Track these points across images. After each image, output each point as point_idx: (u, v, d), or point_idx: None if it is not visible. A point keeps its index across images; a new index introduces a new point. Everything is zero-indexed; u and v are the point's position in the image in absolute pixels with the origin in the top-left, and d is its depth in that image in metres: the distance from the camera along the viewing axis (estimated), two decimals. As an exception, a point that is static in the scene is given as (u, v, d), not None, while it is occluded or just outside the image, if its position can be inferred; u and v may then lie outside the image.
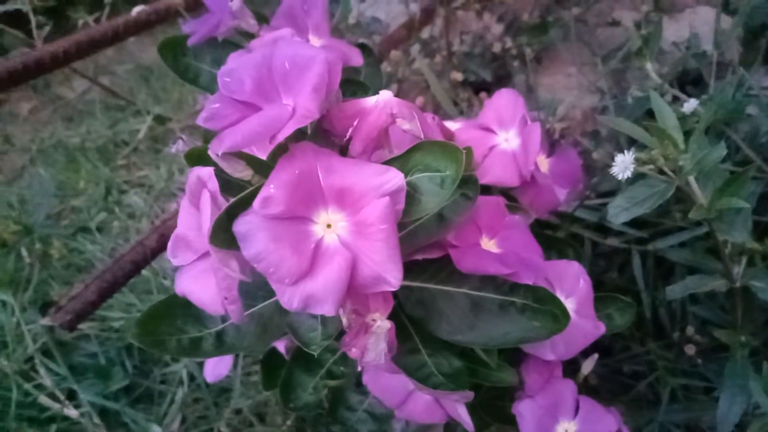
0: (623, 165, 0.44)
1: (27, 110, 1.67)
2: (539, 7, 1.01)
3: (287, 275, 0.31)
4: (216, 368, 0.56)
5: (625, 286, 0.74)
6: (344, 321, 0.35)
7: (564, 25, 0.93)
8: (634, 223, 0.73)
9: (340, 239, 0.33)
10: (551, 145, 0.78)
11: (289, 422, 0.82)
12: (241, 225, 0.31)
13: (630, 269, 0.73)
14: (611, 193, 0.77)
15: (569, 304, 0.46)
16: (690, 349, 0.68)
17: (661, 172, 0.45)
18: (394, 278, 0.32)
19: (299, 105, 0.32)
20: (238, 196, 0.32)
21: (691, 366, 0.67)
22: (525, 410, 0.45)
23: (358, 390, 0.54)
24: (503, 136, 0.51)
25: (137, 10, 0.84)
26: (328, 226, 0.33)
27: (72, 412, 0.84)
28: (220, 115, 0.33)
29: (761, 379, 0.50)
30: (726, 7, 0.92)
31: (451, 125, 0.53)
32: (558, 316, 0.41)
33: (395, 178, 0.32)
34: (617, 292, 0.75)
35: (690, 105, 0.65)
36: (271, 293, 0.39)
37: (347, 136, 0.35)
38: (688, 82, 0.88)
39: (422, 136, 0.36)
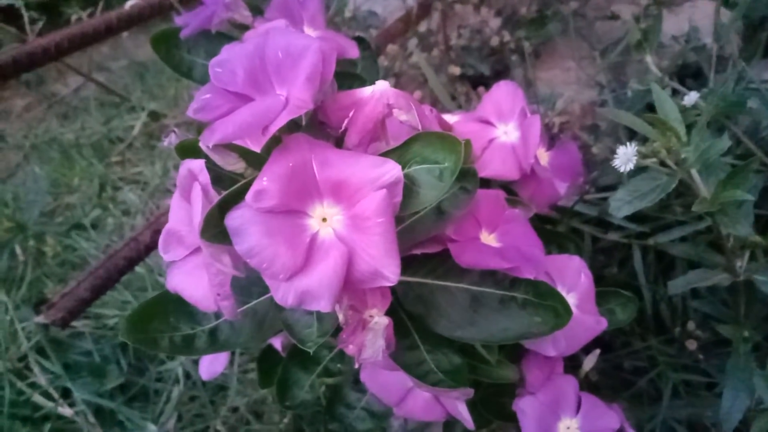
0: (625, 157, 0.43)
1: (21, 107, 1.66)
2: (537, 0, 1.00)
3: (281, 271, 0.30)
4: (211, 366, 0.55)
5: (625, 281, 0.73)
6: (341, 317, 0.34)
7: (562, 18, 0.92)
8: (635, 217, 0.72)
9: (336, 233, 0.32)
10: (550, 139, 0.77)
11: (286, 420, 0.81)
12: (234, 219, 0.30)
13: (630, 264, 0.73)
14: (611, 188, 0.76)
15: (570, 299, 0.46)
16: (691, 345, 0.67)
17: (663, 164, 0.44)
18: (391, 273, 0.32)
19: (292, 95, 0.31)
20: (230, 189, 0.31)
21: (693, 361, 0.66)
22: (526, 407, 0.45)
23: (356, 387, 0.53)
24: (502, 128, 0.50)
25: (130, 3, 0.82)
26: (324, 220, 0.32)
27: (66, 411, 0.83)
28: (211, 106, 0.32)
29: (765, 374, 0.49)
30: (725, 1, 0.91)
31: (450, 118, 0.52)
32: (560, 311, 0.40)
33: (392, 170, 0.31)
34: (618, 287, 0.74)
35: (691, 98, 0.65)
36: (266, 289, 0.38)
37: (343, 128, 0.34)
38: (688, 75, 0.87)
39: (420, 127, 0.35)
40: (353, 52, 0.55)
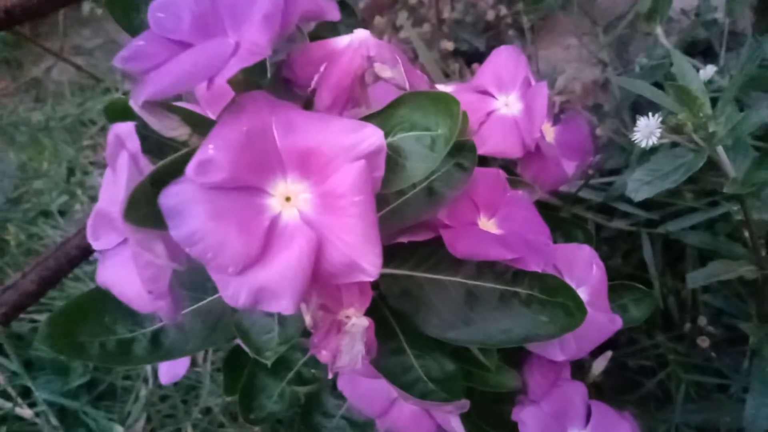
0: (647, 130, 0.37)
1: (-5, 90, 1.58)
2: (536, -27, 0.94)
3: (231, 262, 0.24)
4: (172, 368, 0.48)
5: (631, 273, 0.68)
6: (307, 320, 0.27)
7: (563, -9, 0.86)
8: (642, 203, 0.66)
9: (302, 216, 0.25)
10: (554, 115, 0.71)
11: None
12: (170, 197, 0.24)
13: (636, 255, 0.67)
14: (616, 171, 0.71)
15: (581, 295, 0.39)
16: (703, 342, 0.61)
17: (690, 138, 0.39)
18: (371, 265, 0.25)
19: (245, 39, 0.24)
20: (166, 159, 0.24)
21: (705, 360, 0.61)
22: (528, 418, 0.39)
23: (335, 393, 0.47)
24: (503, 100, 0.44)
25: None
26: (287, 199, 0.26)
27: (25, 412, 0.77)
28: (145, 53, 0.25)
29: (795, 379, 0.43)
30: (737, -27, 0.85)
31: (443, 89, 0.46)
32: (571, 310, 0.34)
33: (372, 136, 0.25)
34: (623, 280, 0.68)
35: (707, 72, 0.59)
36: (225, 284, 0.32)
37: (312, 86, 0.28)
38: (698, 52, 0.81)
39: (407, 86, 0.29)
40: (333, 13, 0.49)
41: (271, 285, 0.24)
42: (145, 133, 0.27)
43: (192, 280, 0.33)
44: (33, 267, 0.51)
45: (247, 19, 0.25)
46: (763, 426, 0.45)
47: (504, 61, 0.45)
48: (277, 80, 0.29)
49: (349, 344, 0.31)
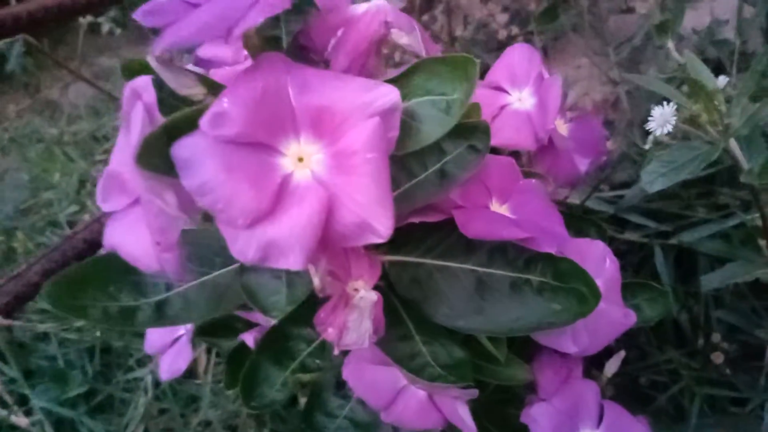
0: (662, 119, 0.37)
1: (14, 111, 1.60)
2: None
3: (241, 214, 0.23)
4: (173, 364, 0.47)
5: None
6: (316, 281, 0.27)
7: (575, 12, 0.87)
8: (654, 216, 0.66)
9: (315, 176, 0.25)
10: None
11: (264, 435, 0.73)
12: (183, 148, 0.23)
13: (648, 267, 0.66)
14: (627, 185, 0.70)
15: (594, 288, 0.39)
16: (717, 358, 0.60)
17: (705, 130, 0.38)
18: (382, 226, 0.25)
19: (265, -10, 0.24)
20: (180, 112, 0.24)
21: (720, 376, 0.59)
22: (539, 416, 0.37)
23: (339, 393, 0.46)
24: (516, 95, 0.44)
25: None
26: (300, 159, 0.25)
27: (21, 420, 0.75)
28: (165, 9, 0.26)
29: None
30: (748, -5, 0.86)
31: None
32: (585, 295, 0.33)
33: (389, 94, 0.25)
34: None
35: (720, 82, 0.59)
36: (232, 260, 0.31)
37: (329, 50, 0.28)
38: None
39: (423, 53, 0.29)
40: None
41: (281, 240, 0.24)
42: (160, 95, 0.27)
43: (202, 255, 0.32)
44: (39, 259, 0.50)
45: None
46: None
47: (518, 58, 0.45)
48: (294, 48, 0.29)
49: (356, 320, 0.30)
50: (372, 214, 0.25)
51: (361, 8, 0.29)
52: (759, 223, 0.45)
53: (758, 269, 0.44)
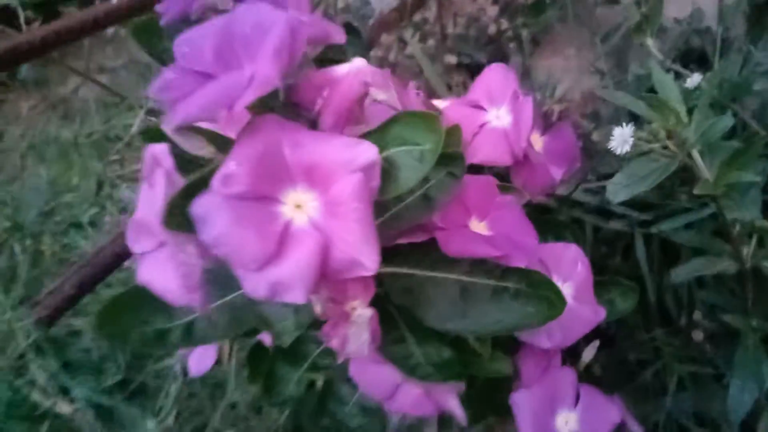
0: (621, 138, 0.41)
1: (26, 109, 1.66)
2: (537, -14, 0.98)
3: (251, 260, 0.29)
4: (200, 361, 0.53)
5: (629, 271, 0.71)
6: (317, 309, 0.32)
7: (561, 5, 0.90)
8: (638, 205, 0.70)
9: (311, 220, 0.30)
10: (547, 125, 0.75)
11: (285, 415, 0.79)
12: (199, 206, 0.28)
13: (634, 254, 0.70)
14: (612, 176, 0.74)
15: (566, 290, 0.44)
16: (698, 335, 0.65)
17: (664, 147, 0.42)
18: (370, 261, 0.30)
19: (258, 72, 0.29)
20: (195, 175, 0.29)
21: (700, 353, 0.64)
22: (521, 401, 0.43)
23: (349, 382, 0.51)
24: (494, 113, 0.48)
25: (118, -3, 0.81)
26: (298, 206, 0.30)
27: (65, 408, 0.82)
28: (175, 85, 0.30)
29: (774, 366, 0.47)
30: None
31: (440, 103, 0.51)
32: (553, 301, 0.38)
33: (367, 151, 0.30)
34: (621, 277, 0.72)
35: (693, 80, 0.62)
36: (246, 282, 0.37)
37: (317, 109, 0.33)
38: (692, 60, 0.84)
39: (399, 107, 0.33)
40: (339, 36, 0.53)
41: (285, 279, 0.29)
42: (176, 152, 0.32)
43: (219, 279, 0.37)
44: (72, 273, 0.56)
45: (260, 53, 0.30)
46: (745, 409, 0.48)
47: (495, 77, 0.49)
48: (288, 103, 0.34)
49: (356, 333, 0.35)
50: (360, 252, 0.30)
51: (342, 69, 0.33)
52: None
53: (722, 262, 0.48)
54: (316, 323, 0.36)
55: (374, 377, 0.43)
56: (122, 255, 0.60)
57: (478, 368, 0.43)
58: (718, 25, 0.81)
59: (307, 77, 0.33)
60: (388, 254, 0.42)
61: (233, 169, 0.29)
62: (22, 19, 1.41)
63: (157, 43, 0.61)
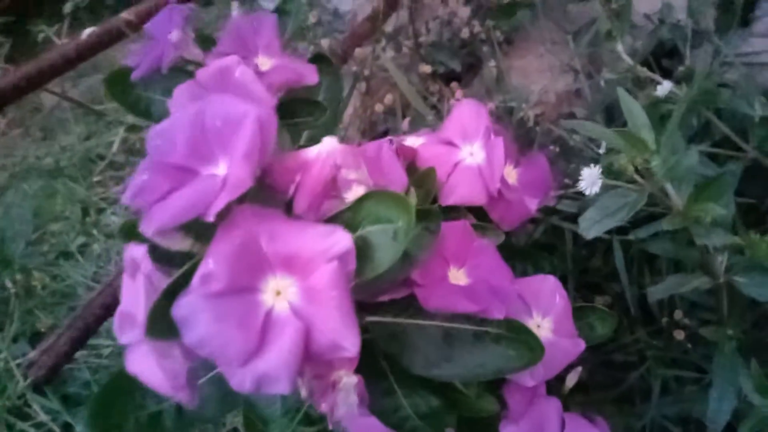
0: (591, 179, 0.42)
1: (0, 132, 1.64)
2: (506, -16, 0.97)
3: (235, 357, 0.29)
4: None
5: (609, 274, 0.73)
6: (303, 393, 0.33)
7: (532, 4, 0.90)
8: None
9: (291, 306, 0.31)
10: (527, 135, 0.75)
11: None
12: (181, 308, 0.29)
13: (614, 257, 0.72)
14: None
15: (546, 324, 0.45)
16: (679, 335, 0.66)
17: (632, 182, 0.43)
18: (350, 344, 0.31)
19: (230, 174, 0.30)
20: (174, 277, 0.30)
21: (682, 352, 0.66)
22: (510, 437, 0.44)
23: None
24: (467, 149, 0.49)
25: (87, 32, 0.80)
26: (278, 293, 0.31)
27: (70, 448, 0.84)
28: (148, 188, 0.31)
29: (751, 376, 0.49)
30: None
31: (414, 141, 0.51)
32: (532, 345, 0.39)
33: (342, 240, 0.31)
34: (602, 281, 0.73)
35: (664, 88, 0.63)
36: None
37: (291, 193, 0.33)
38: (663, 54, 0.85)
39: (371, 184, 0.34)
40: (312, 78, 0.54)
41: (271, 372, 0.30)
42: (155, 246, 0.33)
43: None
44: (64, 330, 0.57)
45: (232, 151, 0.31)
46: (725, 416, 0.50)
47: (467, 113, 0.50)
48: (262, 186, 0.34)
49: (343, 398, 0.36)
50: (340, 336, 0.31)
51: (313, 152, 0.34)
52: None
53: (696, 279, 0.50)
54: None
55: (367, 426, 0.44)
56: (110, 305, 0.61)
57: (466, 408, 0.45)
58: (687, 18, 0.81)
59: (279, 161, 0.33)
60: (371, 306, 0.43)
61: (212, 267, 0.30)
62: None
63: (130, 92, 0.61)
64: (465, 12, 0.96)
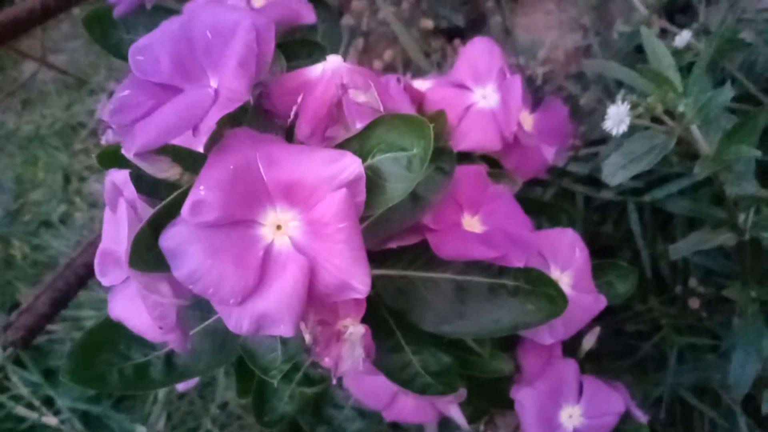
0: (618, 117, 0.38)
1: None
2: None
3: (232, 294, 0.26)
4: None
5: (622, 239, 0.70)
6: (307, 338, 0.29)
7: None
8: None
9: (293, 242, 0.27)
10: (535, 94, 0.71)
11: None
12: (169, 239, 0.25)
13: (626, 221, 0.69)
14: (601, 142, 0.72)
15: (566, 279, 0.42)
16: (694, 303, 0.64)
17: (658, 121, 0.40)
18: (361, 284, 0.27)
19: (223, 86, 0.26)
20: (161, 204, 0.26)
21: (697, 321, 0.63)
22: (525, 399, 0.41)
23: (344, 386, 0.49)
24: (480, 92, 0.45)
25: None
26: (278, 227, 0.27)
27: (50, 420, 0.80)
28: (130, 104, 0.27)
29: (776, 337, 0.46)
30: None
31: (422, 84, 0.47)
32: (554, 298, 0.36)
33: (351, 165, 0.27)
34: (614, 247, 0.70)
35: (683, 38, 0.59)
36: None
37: (292, 117, 0.29)
38: (676, 10, 0.81)
39: (381, 109, 0.30)
40: (309, 16, 0.49)
41: (271, 312, 0.26)
42: (139, 174, 0.29)
43: (199, 301, 0.35)
44: (44, 289, 0.53)
45: (224, 63, 0.27)
46: (748, 381, 0.47)
47: (479, 52, 0.46)
48: (258, 111, 0.30)
49: (349, 350, 0.33)
50: (350, 274, 0.27)
51: (316, 71, 0.30)
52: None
53: (721, 235, 0.47)
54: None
55: (371, 387, 0.41)
56: (93, 265, 0.57)
57: (478, 368, 0.42)
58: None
59: (279, 82, 0.30)
60: (378, 257, 0.40)
61: (203, 194, 0.26)
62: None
63: (110, 33, 0.56)
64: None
